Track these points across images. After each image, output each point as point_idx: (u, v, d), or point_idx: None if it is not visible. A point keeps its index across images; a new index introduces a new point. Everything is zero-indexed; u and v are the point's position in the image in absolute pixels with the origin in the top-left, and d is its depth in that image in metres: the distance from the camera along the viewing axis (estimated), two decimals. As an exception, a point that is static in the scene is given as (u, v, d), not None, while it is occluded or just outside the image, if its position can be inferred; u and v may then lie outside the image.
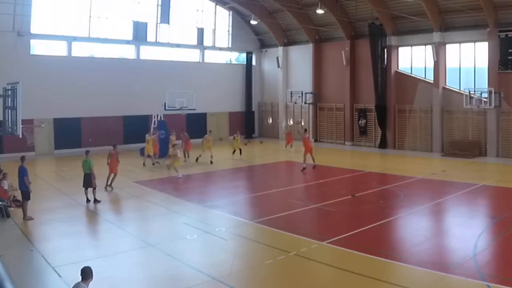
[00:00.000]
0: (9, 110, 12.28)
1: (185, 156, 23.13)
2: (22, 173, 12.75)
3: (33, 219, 12.64)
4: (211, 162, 22.48)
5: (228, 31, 34.59)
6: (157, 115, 25.96)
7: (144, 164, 21.96)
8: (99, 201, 14.67)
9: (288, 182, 18.99)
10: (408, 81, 27.43)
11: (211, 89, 32.45)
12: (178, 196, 15.82)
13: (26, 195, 12.74)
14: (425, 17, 24.91)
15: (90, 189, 14.72)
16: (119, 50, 30.12)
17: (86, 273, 6.20)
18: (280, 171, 21.82)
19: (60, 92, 26.19)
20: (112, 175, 16.80)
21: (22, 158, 13.21)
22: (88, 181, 14.67)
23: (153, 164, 21.97)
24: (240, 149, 24.22)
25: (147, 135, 22.80)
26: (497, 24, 23.01)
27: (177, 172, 18.84)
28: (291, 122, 34.08)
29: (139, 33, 29.61)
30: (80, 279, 6.17)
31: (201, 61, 33.51)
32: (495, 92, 22.83)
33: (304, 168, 20.45)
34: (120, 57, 29.97)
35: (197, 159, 22.78)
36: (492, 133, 23.70)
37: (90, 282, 6.22)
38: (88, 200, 14.66)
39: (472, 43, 24.67)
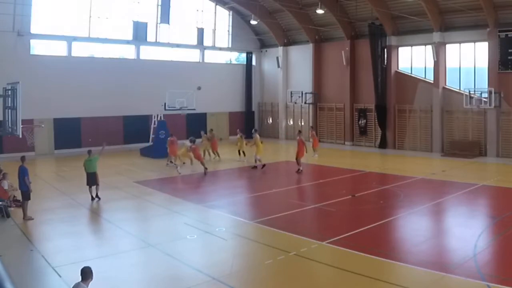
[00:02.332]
0: (9, 110, 12.33)
1: (214, 154, 24.12)
2: (23, 173, 12.76)
3: (33, 219, 12.65)
4: (263, 166, 21.09)
5: (228, 31, 34.58)
6: (157, 115, 25.99)
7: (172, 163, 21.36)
8: (99, 198, 14.83)
9: (288, 182, 18.95)
10: (408, 81, 27.42)
11: (211, 89, 32.42)
12: (178, 196, 15.82)
13: (26, 195, 12.74)
14: (425, 17, 24.90)
15: (93, 187, 14.97)
16: (119, 50, 30.11)
17: (86, 273, 6.21)
18: (280, 171, 21.80)
19: (60, 92, 26.20)
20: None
21: (22, 158, 13.23)
22: (93, 179, 14.91)
23: (167, 164, 21.62)
24: (244, 151, 23.55)
25: (168, 138, 22.23)
26: (497, 24, 23.01)
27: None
28: (291, 123, 34.04)
29: (139, 33, 29.60)
30: (80, 279, 6.18)
31: (201, 61, 33.50)
32: (495, 92, 22.82)
33: (300, 170, 20.03)
34: (120, 57, 29.97)
35: (262, 166, 21.18)
36: (492, 133, 23.69)
37: (90, 282, 6.23)
38: (93, 198, 14.89)
39: (472, 43, 24.65)
